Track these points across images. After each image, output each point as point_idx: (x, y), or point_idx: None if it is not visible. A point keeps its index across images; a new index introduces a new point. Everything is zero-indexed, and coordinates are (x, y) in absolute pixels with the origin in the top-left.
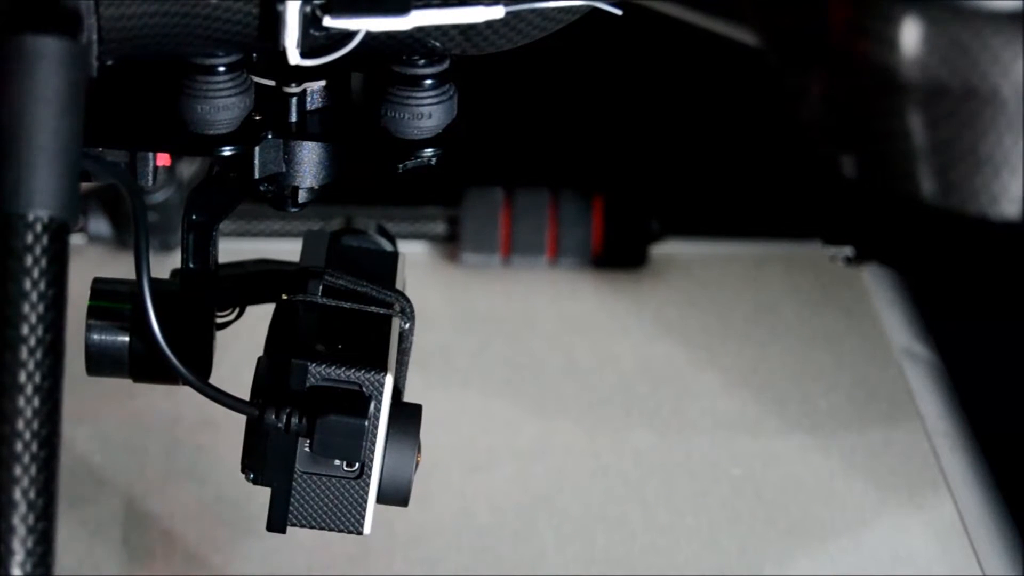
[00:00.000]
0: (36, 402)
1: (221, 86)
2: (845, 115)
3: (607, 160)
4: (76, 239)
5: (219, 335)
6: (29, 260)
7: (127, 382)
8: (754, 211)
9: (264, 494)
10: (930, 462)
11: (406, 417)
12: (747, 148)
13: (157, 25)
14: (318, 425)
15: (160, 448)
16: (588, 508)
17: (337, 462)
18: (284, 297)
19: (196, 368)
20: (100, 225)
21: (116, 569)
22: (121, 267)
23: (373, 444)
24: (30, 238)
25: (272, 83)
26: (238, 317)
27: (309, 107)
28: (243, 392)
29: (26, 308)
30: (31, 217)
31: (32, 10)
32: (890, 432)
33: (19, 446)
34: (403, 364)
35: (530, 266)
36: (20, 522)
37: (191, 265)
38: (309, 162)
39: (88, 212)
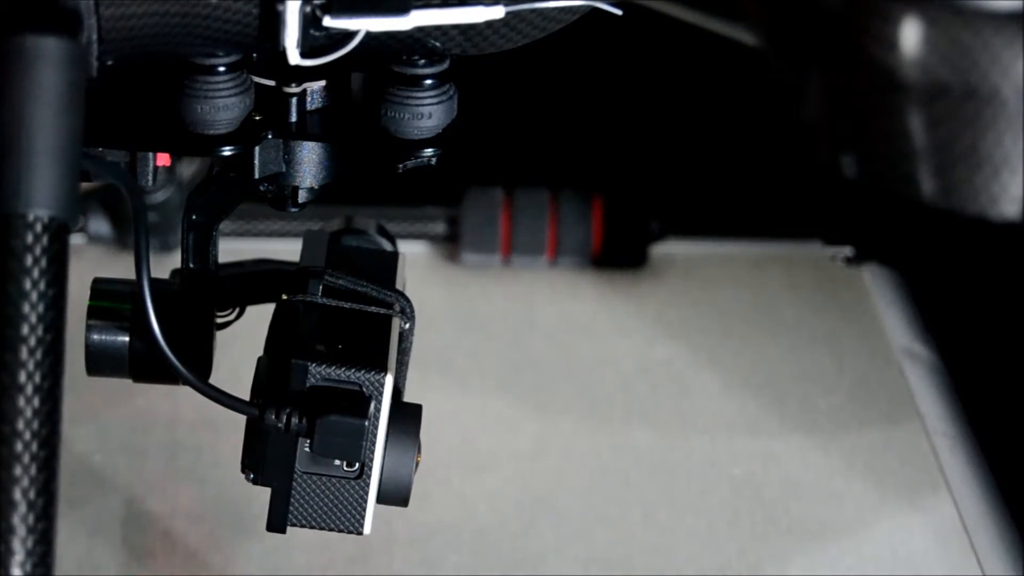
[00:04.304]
0: (36, 402)
1: (221, 86)
2: (845, 115)
3: (607, 160)
4: (76, 239)
5: (219, 335)
6: (29, 260)
7: (127, 382)
8: (754, 211)
9: (264, 494)
10: (930, 462)
11: (406, 417)
12: (747, 148)
13: (157, 25)
14: (318, 425)
15: (160, 448)
16: (588, 508)
17: (337, 462)
18: (284, 297)
19: (196, 368)
20: (100, 225)
21: (116, 569)
22: (121, 267)
23: (373, 444)
24: (30, 238)
25: (272, 83)
26: (238, 317)
27: (309, 107)
28: (243, 392)
29: (26, 308)
30: (31, 217)
31: (32, 10)
32: (890, 432)
33: (19, 446)
34: (403, 364)
35: (530, 266)
36: (20, 522)
37: (191, 265)
38: (309, 162)
39: (88, 212)
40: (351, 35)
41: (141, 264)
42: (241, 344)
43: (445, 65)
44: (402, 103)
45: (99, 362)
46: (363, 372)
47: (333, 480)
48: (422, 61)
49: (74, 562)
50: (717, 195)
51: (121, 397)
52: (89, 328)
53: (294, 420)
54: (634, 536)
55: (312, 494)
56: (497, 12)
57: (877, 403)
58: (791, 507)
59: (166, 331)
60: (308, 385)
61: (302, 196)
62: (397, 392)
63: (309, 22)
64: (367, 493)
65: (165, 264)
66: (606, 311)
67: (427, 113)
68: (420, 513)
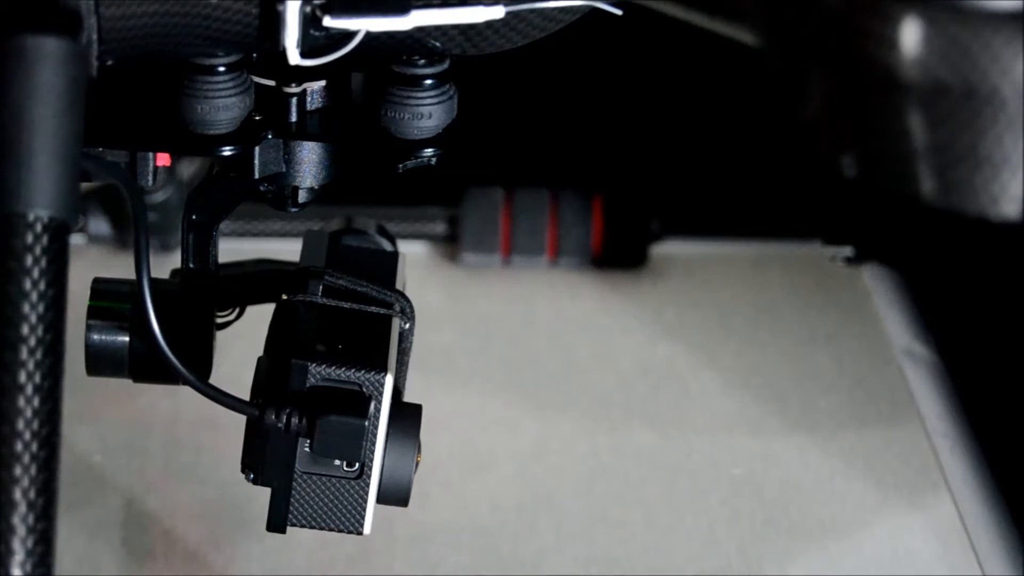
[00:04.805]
0: (36, 402)
1: (221, 86)
2: (845, 115)
3: (607, 160)
4: (76, 239)
5: (219, 335)
6: (29, 260)
7: (127, 382)
8: (754, 211)
9: (264, 494)
10: (930, 462)
11: (406, 417)
12: (747, 148)
13: (157, 25)
14: (318, 425)
15: (160, 448)
16: (588, 508)
17: (337, 462)
18: (284, 297)
19: (196, 368)
20: (100, 225)
21: (116, 569)
22: (121, 267)
23: (373, 444)
24: (30, 238)
25: (272, 83)
26: (238, 317)
27: (309, 107)
28: (243, 392)
29: (26, 308)
30: (31, 217)
31: (32, 10)
32: (890, 432)
33: (19, 446)
34: (403, 364)
35: (530, 266)
36: (20, 522)
37: (191, 265)
38: (309, 162)
39: (88, 212)
40: (351, 35)
41: (141, 264)
42: (241, 344)
43: (445, 65)
44: (402, 103)
45: (99, 362)
46: (363, 372)
47: (333, 480)
48: (422, 61)
49: (74, 562)
50: (717, 195)
51: (121, 397)
52: (89, 328)
53: (294, 420)
54: (634, 536)
55: (312, 494)
56: (497, 12)
57: (877, 403)
58: (791, 507)
59: (166, 331)
60: (308, 385)
61: (302, 196)
62: (397, 392)
63: (309, 22)
64: (367, 493)
65: (165, 264)
66: (606, 311)
67: (427, 113)
68: (420, 513)
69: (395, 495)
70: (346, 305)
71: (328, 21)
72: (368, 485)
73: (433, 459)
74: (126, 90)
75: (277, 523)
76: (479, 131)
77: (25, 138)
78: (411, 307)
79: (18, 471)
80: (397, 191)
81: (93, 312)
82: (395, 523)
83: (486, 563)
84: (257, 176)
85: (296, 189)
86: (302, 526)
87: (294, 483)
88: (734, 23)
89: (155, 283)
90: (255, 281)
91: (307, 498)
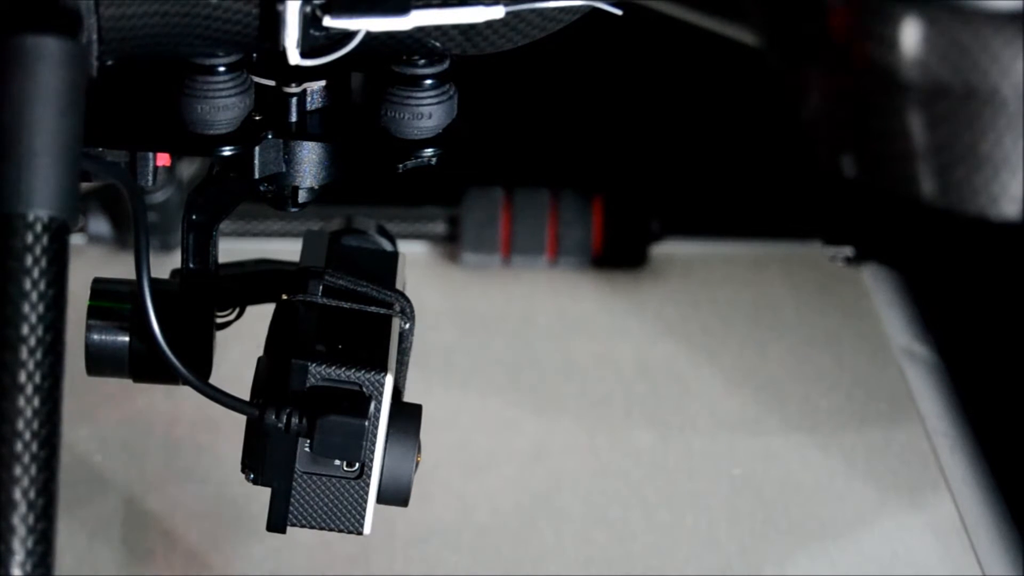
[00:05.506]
0: (36, 402)
1: (221, 86)
2: (845, 115)
3: (607, 160)
4: (76, 239)
5: (219, 335)
6: (29, 260)
7: (127, 382)
8: (754, 211)
9: (264, 494)
10: (930, 462)
11: (406, 417)
12: (747, 148)
13: (157, 25)
14: (318, 425)
15: (160, 448)
16: (588, 508)
17: (337, 462)
18: (284, 297)
19: (196, 368)
20: (100, 225)
21: (116, 569)
22: (121, 267)
23: (373, 444)
24: (30, 238)
25: (272, 83)
26: (238, 317)
27: (309, 107)
28: (243, 392)
29: (26, 308)
30: (31, 217)
31: (32, 10)
32: (890, 432)
33: (19, 446)
34: (403, 364)
35: (530, 266)
36: (20, 522)
37: (191, 265)
38: (309, 162)
39: (88, 212)
40: (351, 35)
41: (141, 264)
42: (241, 344)
43: (445, 65)
44: (402, 103)
45: (99, 362)
46: (363, 372)
47: (333, 480)
48: (422, 61)
49: (74, 562)
50: (717, 195)
51: (121, 397)
52: (89, 328)
53: (294, 420)
54: (634, 536)
55: (312, 494)
56: (497, 12)
57: (877, 403)
58: (791, 507)
59: (166, 331)
60: (308, 385)
61: (302, 196)
62: (397, 392)
63: (309, 22)
64: (367, 493)
65: (165, 264)
66: (606, 311)
67: (427, 113)
68: (420, 513)
69: (395, 495)
70: (346, 305)
71: (328, 21)
72: (368, 485)
73: (433, 459)
74: (126, 90)
75: (277, 523)
76: (479, 131)
77: (25, 138)
78: (411, 307)
79: (18, 471)
80: (397, 191)
81: (93, 312)
82: (395, 523)
83: (486, 563)
84: (257, 176)
85: (296, 189)
86: (302, 526)
87: (294, 483)
88: (734, 23)
89: (155, 283)
90: (255, 281)
91: (307, 498)
